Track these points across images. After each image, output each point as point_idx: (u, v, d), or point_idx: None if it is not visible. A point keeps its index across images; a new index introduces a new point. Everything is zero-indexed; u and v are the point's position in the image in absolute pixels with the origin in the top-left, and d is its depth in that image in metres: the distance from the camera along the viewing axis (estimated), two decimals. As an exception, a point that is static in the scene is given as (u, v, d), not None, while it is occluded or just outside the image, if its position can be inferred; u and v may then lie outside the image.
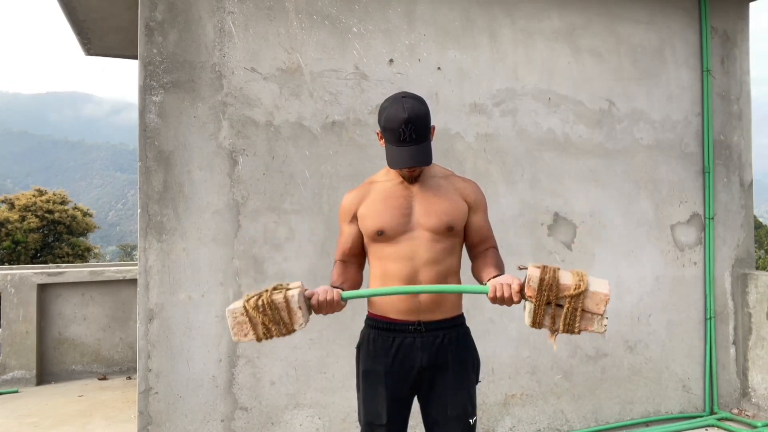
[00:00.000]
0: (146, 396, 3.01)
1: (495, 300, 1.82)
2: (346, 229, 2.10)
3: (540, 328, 1.79)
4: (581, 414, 3.82)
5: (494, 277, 1.90)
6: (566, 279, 1.76)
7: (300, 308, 1.83)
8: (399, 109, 1.88)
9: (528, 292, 1.76)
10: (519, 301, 1.81)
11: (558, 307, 1.75)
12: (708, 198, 4.14)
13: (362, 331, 2.12)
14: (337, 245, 2.14)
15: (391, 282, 2.00)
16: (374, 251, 2.05)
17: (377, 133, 2.01)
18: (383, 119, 1.92)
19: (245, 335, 1.84)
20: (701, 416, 4.03)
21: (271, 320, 1.82)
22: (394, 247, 1.99)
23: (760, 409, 4.07)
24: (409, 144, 1.89)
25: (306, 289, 1.90)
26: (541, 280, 1.74)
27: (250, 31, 3.21)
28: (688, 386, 4.09)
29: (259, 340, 1.85)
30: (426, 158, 1.91)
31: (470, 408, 2.03)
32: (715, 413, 4.06)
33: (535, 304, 1.75)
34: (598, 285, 1.76)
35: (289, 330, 1.84)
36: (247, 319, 1.82)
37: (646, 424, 3.92)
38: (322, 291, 1.88)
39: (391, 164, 1.93)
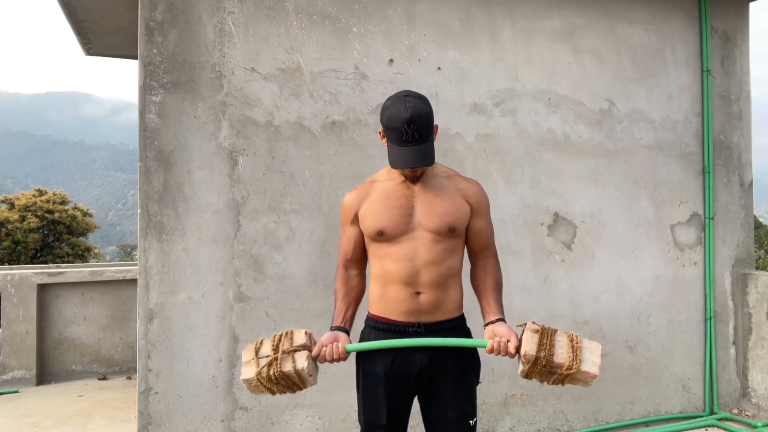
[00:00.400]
0: (146, 396, 3.01)
1: (491, 352, 1.91)
2: (348, 230, 2.10)
3: (530, 380, 1.94)
4: (581, 414, 3.82)
5: (494, 321, 1.97)
6: (560, 358, 1.85)
7: (310, 375, 1.91)
8: (401, 108, 1.87)
9: (523, 359, 1.86)
10: (513, 355, 1.91)
11: (550, 373, 1.88)
12: (708, 198, 4.14)
13: (362, 332, 2.11)
14: (339, 248, 2.14)
15: (391, 282, 1.99)
16: (375, 251, 2.04)
17: (379, 132, 2.00)
18: (385, 118, 1.91)
19: (262, 393, 1.96)
20: (701, 416, 4.03)
21: (285, 387, 1.93)
22: (394, 247, 1.98)
23: (760, 409, 4.07)
24: (411, 144, 1.88)
25: (312, 344, 1.95)
26: (536, 358, 1.84)
27: (250, 31, 3.21)
28: (688, 386, 4.09)
29: (275, 394, 1.97)
30: (428, 158, 1.91)
31: (470, 409, 2.03)
32: (715, 413, 4.06)
33: (528, 370, 1.87)
34: (590, 363, 1.85)
35: (302, 389, 1.96)
36: (263, 387, 1.93)
37: (646, 424, 3.92)
38: (329, 351, 1.92)
39: (393, 164, 1.92)
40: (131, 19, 4.52)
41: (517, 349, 1.87)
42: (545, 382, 1.90)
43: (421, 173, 2.01)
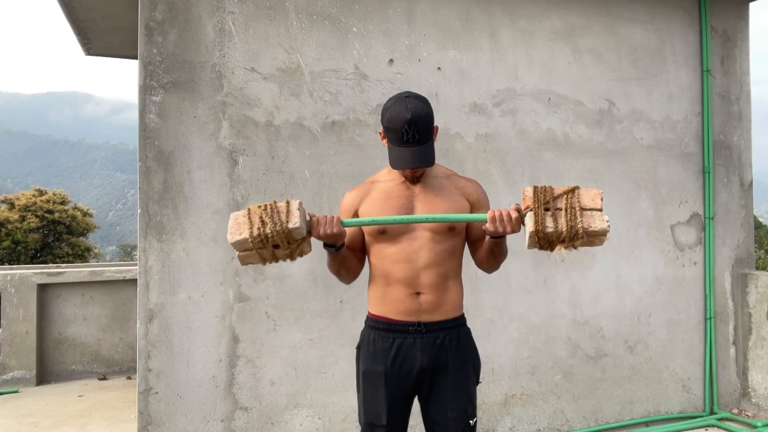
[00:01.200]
0: (146, 396, 3.01)
1: (494, 223, 1.81)
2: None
3: (544, 241, 1.79)
4: (581, 414, 3.82)
5: None
6: (557, 188, 1.82)
7: (298, 210, 1.82)
8: (402, 109, 1.88)
9: (524, 203, 1.79)
10: (518, 225, 1.82)
11: (557, 211, 1.78)
12: (708, 198, 4.14)
13: (362, 332, 2.11)
14: None
15: (392, 282, 1.99)
16: (375, 251, 2.04)
17: (380, 133, 2.01)
18: (386, 119, 1.91)
19: (240, 234, 1.81)
20: (701, 416, 4.03)
21: (269, 216, 1.80)
22: (394, 247, 1.98)
23: (760, 409, 4.07)
24: (411, 145, 1.88)
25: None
26: (535, 188, 1.80)
27: (250, 31, 3.21)
28: (688, 386, 4.09)
29: (251, 237, 1.80)
30: (429, 159, 1.91)
31: (470, 409, 2.03)
32: (715, 413, 4.06)
33: (534, 208, 1.77)
34: (597, 219, 1.78)
35: (284, 229, 1.80)
36: (247, 219, 1.81)
37: (646, 424, 3.92)
38: (323, 219, 1.87)
39: (394, 165, 1.93)
40: (131, 19, 4.52)
41: (518, 208, 1.82)
42: (561, 233, 1.77)
43: (422, 174, 2.01)
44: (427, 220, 1.90)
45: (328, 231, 1.85)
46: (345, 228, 1.91)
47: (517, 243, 3.68)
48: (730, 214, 4.25)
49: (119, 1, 4.29)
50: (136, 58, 3.30)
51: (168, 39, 3.09)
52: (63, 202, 18.30)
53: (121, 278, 5.46)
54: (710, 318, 4.12)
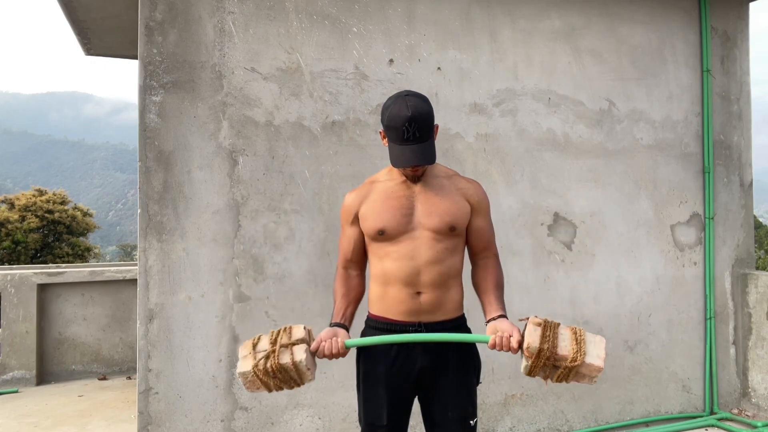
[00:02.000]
0: (146, 396, 3.01)
1: (494, 347, 1.88)
2: (348, 230, 2.09)
3: (534, 377, 1.89)
4: (581, 414, 3.82)
5: (495, 317, 1.95)
6: (564, 350, 1.81)
7: (308, 369, 1.87)
8: (402, 107, 1.87)
9: (526, 353, 1.82)
10: (517, 351, 1.88)
11: (554, 368, 1.84)
12: (708, 198, 4.14)
13: (362, 332, 2.11)
14: (339, 248, 2.14)
15: (392, 282, 1.99)
16: (375, 251, 2.04)
17: (380, 132, 2.00)
18: (386, 118, 1.91)
19: (258, 389, 1.92)
20: (701, 416, 4.03)
21: (282, 381, 1.89)
22: (395, 246, 1.98)
23: (760, 409, 4.07)
24: (412, 142, 1.88)
25: (311, 340, 1.93)
26: (540, 351, 1.80)
27: (250, 31, 3.21)
28: (688, 386, 4.09)
29: (271, 391, 1.92)
30: (429, 157, 1.91)
31: (471, 409, 2.03)
32: (715, 413, 4.06)
33: (531, 365, 1.83)
34: (594, 356, 1.81)
35: (299, 385, 1.92)
36: (259, 382, 1.88)
37: (646, 424, 3.92)
38: (328, 345, 1.90)
39: (395, 163, 1.92)
40: (131, 19, 4.52)
41: (520, 344, 1.84)
42: (549, 379, 1.86)
43: (422, 173, 2.01)
44: (429, 339, 1.93)
45: (334, 358, 1.90)
46: (348, 348, 1.93)
47: (517, 243, 3.70)
48: (730, 214, 4.25)
49: (119, 1, 4.29)
50: (136, 58, 3.30)
51: (168, 39, 3.09)
52: (63, 202, 18.30)
53: (121, 278, 5.46)
54: (710, 318, 4.12)
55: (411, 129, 1.86)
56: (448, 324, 2.02)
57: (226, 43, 3.16)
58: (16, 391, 4.88)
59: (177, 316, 3.06)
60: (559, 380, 1.85)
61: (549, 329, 1.83)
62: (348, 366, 3.26)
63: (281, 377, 1.87)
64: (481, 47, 3.65)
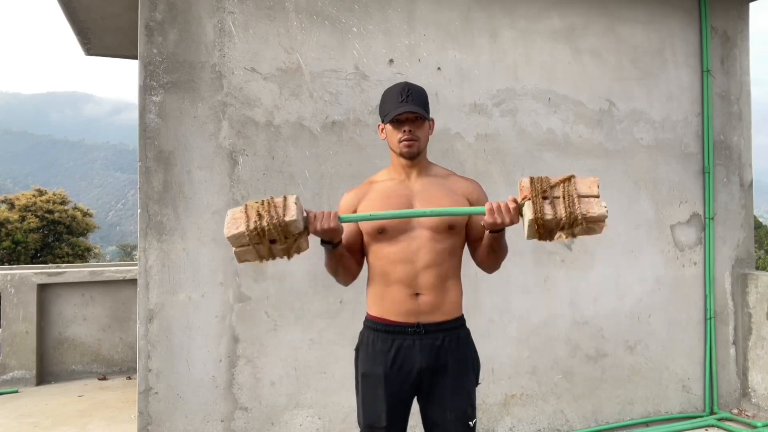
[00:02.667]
0: (146, 396, 3.00)
1: (492, 214, 1.80)
2: (344, 226, 2.08)
3: (543, 229, 1.77)
4: (581, 414, 3.82)
5: None
6: (554, 178, 1.81)
7: (295, 204, 1.79)
8: (398, 84, 2.01)
9: (522, 194, 1.79)
10: (516, 215, 1.81)
11: (554, 199, 1.78)
12: (708, 198, 4.14)
13: (361, 333, 2.11)
14: None
15: (391, 283, 1.99)
16: (374, 251, 2.03)
17: (378, 126, 2.03)
18: (383, 96, 1.99)
19: (236, 228, 1.78)
20: (701, 416, 4.03)
21: (265, 210, 1.77)
22: (394, 246, 1.98)
23: (760, 409, 4.07)
24: (407, 103, 1.94)
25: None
26: (531, 178, 1.81)
27: (250, 31, 3.21)
28: (688, 386, 4.09)
29: (248, 231, 1.77)
30: (425, 110, 1.97)
31: (470, 410, 2.03)
32: (715, 413, 4.06)
33: (532, 197, 1.77)
34: (595, 205, 1.82)
35: (280, 222, 1.77)
36: (244, 213, 1.79)
37: (646, 424, 3.92)
38: (320, 215, 1.85)
39: (390, 114, 1.95)
40: (131, 19, 4.52)
41: (515, 199, 1.81)
42: (560, 219, 1.77)
43: (417, 150, 1.99)
44: (425, 214, 1.89)
45: (325, 225, 1.83)
46: (342, 224, 1.89)
47: (517, 242, 3.69)
48: (730, 214, 4.25)
49: (119, 1, 4.29)
50: (136, 58, 3.30)
51: (168, 39, 3.09)
52: (63, 202, 18.30)
53: (121, 278, 5.46)
54: (710, 318, 4.12)
55: (406, 92, 1.95)
56: (448, 325, 2.01)
57: (226, 43, 3.16)
58: (16, 391, 4.88)
59: (177, 316, 3.06)
60: (568, 212, 1.76)
61: (540, 182, 1.80)
62: (348, 366, 3.26)
63: (266, 207, 1.77)
64: (481, 47, 3.65)
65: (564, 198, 1.77)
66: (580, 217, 1.77)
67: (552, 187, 1.78)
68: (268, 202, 1.80)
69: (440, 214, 1.91)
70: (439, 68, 3.55)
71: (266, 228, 1.77)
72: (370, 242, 2.04)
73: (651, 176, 4.02)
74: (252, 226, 1.77)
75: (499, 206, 1.81)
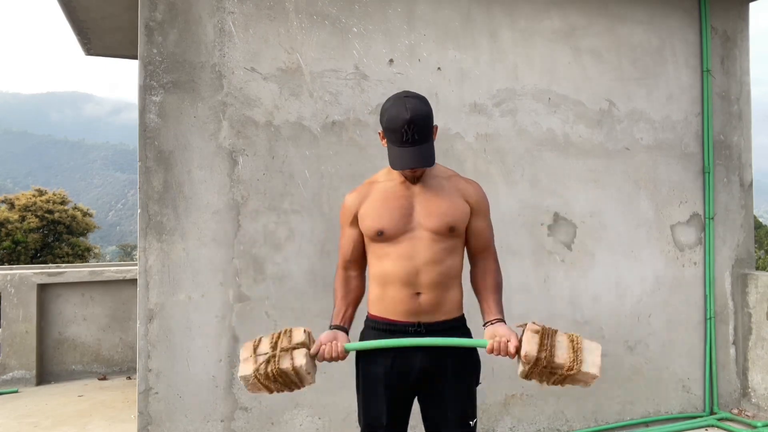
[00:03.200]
0: (146, 396, 3.01)
1: (491, 352, 1.90)
2: (348, 231, 2.09)
3: (535, 377, 1.90)
4: (581, 414, 3.82)
5: (493, 321, 1.97)
6: (561, 358, 1.83)
7: (309, 373, 1.89)
8: (401, 109, 1.87)
9: (523, 360, 1.84)
10: (514, 356, 1.90)
11: (551, 373, 1.86)
12: (708, 198, 4.14)
13: (362, 333, 2.11)
14: (339, 249, 2.14)
15: (391, 282, 1.99)
16: (374, 251, 2.04)
17: (379, 134, 2.00)
18: (385, 120, 1.91)
19: (260, 391, 1.94)
20: (701, 416, 4.03)
21: (283, 384, 1.91)
22: (394, 247, 1.98)
23: (760, 409, 4.07)
24: (411, 145, 1.87)
25: (311, 343, 1.94)
26: (537, 359, 1.83)
27: (250, 31, 3.21)
28: (688, 386, 4.09)
29: (272, 393, 1.95)
30: (428, 159, 1.90)
31: (470, 410, 2.03)
32: (715, 413, 4.06)
33: (528, 371, 1.86)
34: (590, 364, 1.84)
35: (300, 387, 1.95)
36: (260, 385, 1.90)
37: (646, 424, 3.92)
38: (328, 349, 1.91)
39: (394, 165, 1.92)
40: (131, 19, 4.52)
41: (518, 350, 1.86)
42: (545, 383, 1.89)
43: (421, 174, 2.01)
44: (430, 344, 1.94)
45: (333, 359, 1.92)
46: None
47: (517, 243, 3.69)
48: (730, 214, 4.25)
49: (119, 1, 4.29)
50: (136, 58, 3.30)
51: (168, 39, 3.09)
52: (63, 202, 18.29)
53: (121, 278, 5.46)
54: (710, 318, 4.12)
55: (410, 131, 1.85)
56: (448, 324, 2.01)
57: (226, 43, 3.16)
58: (16, 391, 4.88)
59: (177, 316, 3.06)
60: (554, 384, 1.88)
61: (546, 337, 1.85)
62: (348, 366, 3.25)
63: (282, 381, 1.89)
64: (481, 47, 3.65)
65: (557, 379, 1.88)
66: (566, 385, 1.91)
67: (554, 367, 1.84)
68: (281, 376, 1.88)
69: (444, 344, 1.95)
70: (439, 68, 3.55)
71: (276, 375, 1.88)
72: (370, 243, 2.05)
73: (651, 176, 4.02)
74: (276, 391, 1.93)
75: (500, 350, 1.88)
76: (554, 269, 3.77)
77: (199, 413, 3.08)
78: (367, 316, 2.11)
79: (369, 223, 2.01)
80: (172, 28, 3.10)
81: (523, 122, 3.73)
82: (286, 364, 1.86)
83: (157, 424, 3.02)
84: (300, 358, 1.86)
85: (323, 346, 1.91)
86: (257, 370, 1.86)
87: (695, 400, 4.11)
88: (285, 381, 1.89)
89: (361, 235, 2.07)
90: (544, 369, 1.84)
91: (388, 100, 1.96)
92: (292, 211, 3.25)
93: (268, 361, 1.86)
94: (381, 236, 1.98)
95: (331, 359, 1.90)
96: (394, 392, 2.00)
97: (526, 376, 1.87)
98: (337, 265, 2.15)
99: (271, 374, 1.86)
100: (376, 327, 2.04)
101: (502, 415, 3.62)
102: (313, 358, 1.92)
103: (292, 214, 3.25)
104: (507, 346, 1.86)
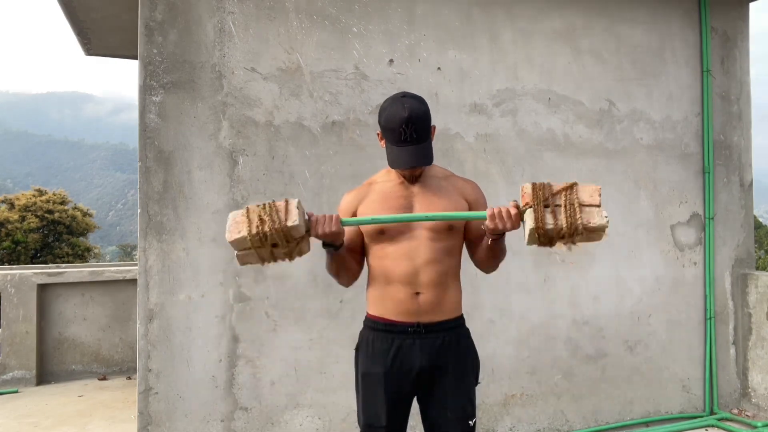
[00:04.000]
0: (146, 396, 3.00)
1: (493, 220, 1.80)
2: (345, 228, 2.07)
3: (544, 237, 1.77)
4: (581, 414, 3.81)
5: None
6: (556, 184, 1.80)
7: (297, 208, 1.79)
8: (399, 108, 1.88)
9: (523, 200, 1.79)
10: (518, 221, 1.81)
11: (556, 207, 1.77)
12: (708, 198, 4.14)
13: (361, 333, 2.11)
14: None
15: (391, 282, 1.98)
16: (374, 251, 2.03)
17: (377, 134, 2.01)
18: (383, 119, 1.92)
19: (239, 232, 1.78)
20: (701, 416, 4.03)
21: (267, 214, 1.77)
22: (394, 246, 1.98)
23: (760, 409, 4.07)
24: (409, 144, 1.88)
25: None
26: (533, 185, 1.79)
27: (250, 31, 3.21)
28: (688, 386, 4.09)
29: (250, 235, 1.77)
30: (427, 158, 1.91)
31: (470, 409, 2.03)
32: (715, 413, 4.06)
33: (534, 205, 1.77)
34: (596, 215, 1.79)
35: (282, 227, 1.77)
36: (246, 217, 1.79)
37: (646, 424, 3.92)
38: (322, 218, 1.85)
39: (392, 164, 1.93)
40: (131, 19, 4.51)
41: (516, 205, 1.80)
42: (561, 229, 1.76)
43: (420, 173, 2.01)
44: (426, 218, 1.90)
45: (327, 230, 1.83)
46: (344, 227, 1.90)
47: (517, 243, 3.68)
48: (730, 214, 4.25)
49: (119, 1, 4.29)
50: (136, 58, 3.30)
51: (168, 39, 3.09)
52: (63, 202, 18.30)
53: (121, 278, 5.46)
54: (710, 318, 4.12)
55: (408, 130, 1.86)
56: (448, 324, 2.01)
57: (226, 43, 3.16)
58: (16, 391, 4.88)
59: (177, 316, 3.06)
60: (569, 222, 1.77)
61: (539, 186, 1.79)
62: (348, 366, 3.25)
63: (268, 211, 1.77)
64: (481, 47, 3.65)
65: (565, 207, 1.78)
66: (581, 227, 1.77)
67: (554, 195, 1.79)
68: (270, 206, 1.80)
69: (441, 219, 1.91)
70: (439, 68, 3.55)
71: (268, 233, 1.77)
72: (370, 242, 2.04)
73: (651, 176, 4.02)
74: (254, 230, 1.78)
75: (500, 211, 1.80)
76: (554, 269, 3.77)
77: (199, 413, 3.08)
78: (366, 316, 2.10)
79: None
80: (172, 28, 3.10)
81: (523, 122, 3.73)
82: (281, 221, 1.76)
83: (157, 424, 3.02)
84: (294, 215, 1.77)
85: (317, 216, 1.85)
86: (250, 231, 1.76)
87: (695, 400, 4.11)
88: (271, 212, 1.77)
89: (358, 232, 2.06)
90: (545, 196, 1.77)
91: (387, 100, 1.96)
92: (292, 211, 3.25)
93: (262, 220, 1.76)
94: (381, 235, 1.98)
95: (325, 230, 1.82)
96: (394, 392, 2.00)
97: (535, 219, 1.77)
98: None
99: (261, 204, 1.78)
100: (375, 327, 2.04)
101: (502, 415, 3.62)
102: (307, 223, 1.83)
103: (292, 214, 3.25)
104: (505, 208, 1.80)
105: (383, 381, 1.99)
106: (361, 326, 2.12)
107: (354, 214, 2.03)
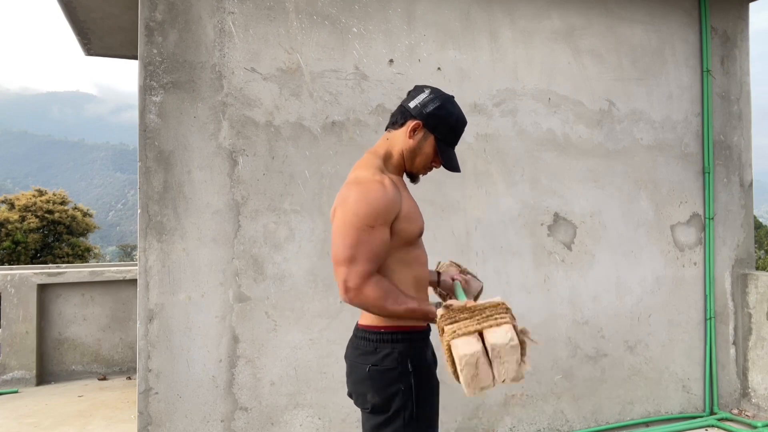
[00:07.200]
0: (146, 396, 3.00)
1: (452, 292, 1.98)
2: (384, 232, 1.71)
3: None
4: (581, 414, 3.81)
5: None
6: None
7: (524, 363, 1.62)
8: (461, 111, 1.88)
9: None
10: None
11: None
12: (708, 198, 4.14)
13: (404, 349, 1.78)
14: (366, 251, 1.68)
15: (422, 288, 1.88)
16: (402, 257, 1.80)
17: (417, 124, 1.82)
18: (454, 120, 1.83)
19: (485, 383, 1.56)
20: (701, 416, 4.03)
21: (517, 360, 1.56)
22: (419, 250, 1.87)
23: (760, 409, 4.07)
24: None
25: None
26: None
27: (250, 31, 3.21)
28: (688, 386, 4.09)
29: (494, 385, 1.58)
30: None
31: None
32: (715, 413, 4.06)
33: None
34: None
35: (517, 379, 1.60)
36: (488, 366, 1.55)
37: (646, 424, 3.92)
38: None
39: (453, 167, 1.87)
40: (131, 19, 4.52)
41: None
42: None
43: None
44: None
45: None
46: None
47: (517, 243, 3.69)
48: (730, 214, 4.25)
49: (119, 1, 4.29)
50: (136, 58, 3.30)
51: (168, 39, 3.09)
52: (63, 203, 18.31)
53: (121, 278, 5.46)
54: (710, 318, 4.12)
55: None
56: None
57: (226, 43, 3.16)
58: (16, 392, 4.88)
59: (177, 316, 3.06)
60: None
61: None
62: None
63: (518, 355, 1.54)
64: (481, 47, 3.65)
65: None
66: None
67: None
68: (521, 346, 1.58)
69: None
70: (439, 68, 3.55)
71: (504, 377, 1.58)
72: (401, 247, 1.80)
73: (651, 176, 4.02)
74: (500, 380, 1.58)
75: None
76: (554, 269, 3.77)
77: (199, 413, 3.08)
78: (396, 330, 1.80)
79: (413, 224, 1.79)
80: (172, 28, 3.10)
81: (523, 122, 3.73)
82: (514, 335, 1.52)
83: (157, 424, 3.02)
84: (509, 326, 1.56)
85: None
86: (514, 341, 1.50)
87: (695, 400, 4.11)
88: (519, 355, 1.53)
89: (387, 241, 1.74)
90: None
91: (442, 97, 1.83)
92: (292, 211, 3.25)
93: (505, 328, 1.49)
94: (419, 237, 1.85)
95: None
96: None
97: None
98: (359, 272, 1.68)
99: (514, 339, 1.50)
100: (421, 338, 1.85)
101: (502, 415, 3.62)
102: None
103: (292, 214, 3.25)
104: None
105: (438, 393, 1.88)
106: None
107: (398, 215, 1.75)
